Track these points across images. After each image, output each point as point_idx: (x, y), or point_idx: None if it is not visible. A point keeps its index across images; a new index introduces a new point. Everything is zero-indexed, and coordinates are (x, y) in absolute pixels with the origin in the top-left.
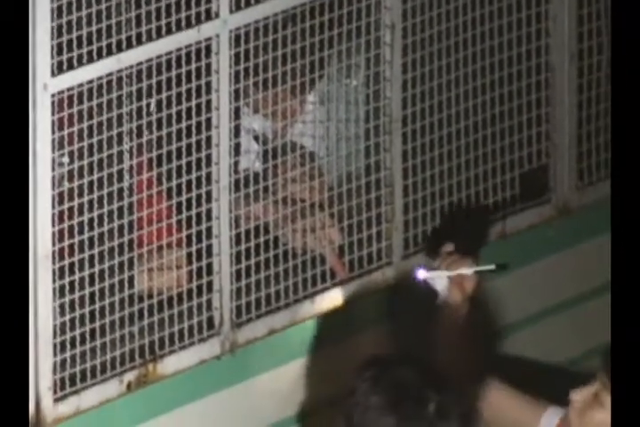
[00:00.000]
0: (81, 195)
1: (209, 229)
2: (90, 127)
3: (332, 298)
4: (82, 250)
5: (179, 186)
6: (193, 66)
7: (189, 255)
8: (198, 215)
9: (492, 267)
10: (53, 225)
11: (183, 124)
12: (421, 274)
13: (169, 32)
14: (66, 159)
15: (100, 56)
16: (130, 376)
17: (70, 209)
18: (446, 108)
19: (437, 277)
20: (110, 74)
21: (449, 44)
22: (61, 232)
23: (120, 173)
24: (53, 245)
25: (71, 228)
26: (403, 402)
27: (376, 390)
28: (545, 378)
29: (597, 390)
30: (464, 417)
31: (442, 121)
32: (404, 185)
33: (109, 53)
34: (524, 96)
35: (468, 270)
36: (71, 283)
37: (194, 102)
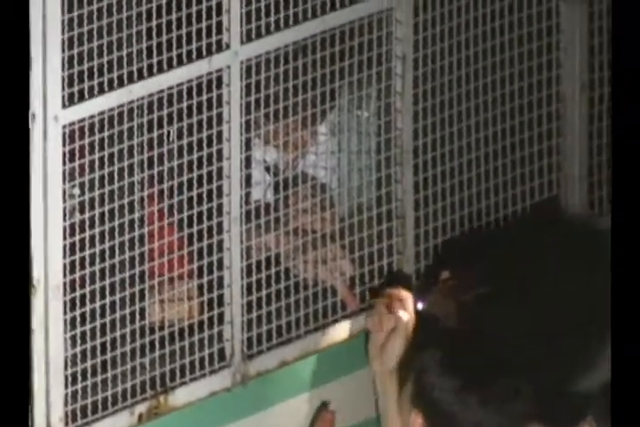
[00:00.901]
0: (92, 226)
1: (220, 261)
2: (101, 159)
3: (344, 330)
4: (93, 281)
5: (190, 217)
6: (204, 97)
7: (200, 287)
8: (209, 246)
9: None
10: (64, 256)
11: (194, 156)
12: (421, 304)
13: (180, 63)
14: (77, 191)
15: (111, 87)
16: (141, 408)
17: (82, 240)
18: (457, 139)
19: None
20: (121, 105)
21: (460, 74)
22: (72, 263)
23: (131, 204)
24: (64, 276)
25: (82, 259)
26: (477, 384)
27: (451, 372)
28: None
29: None
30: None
31: (453, 152)
32: (415, 216)
33: (120, 85)
34: (534, 127)
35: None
36: (82, 314)
37: (205, 134)
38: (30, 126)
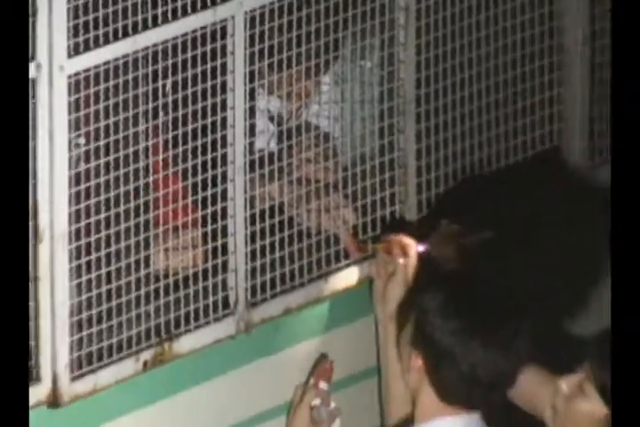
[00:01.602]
0: (97, 175)
1: (224, 210)
2: (106, 108)
3: (347, 277)
4: (98, 230)
5: (194, 167)
6: (208, 47)
7: (205, 235)
8: (214, 196)
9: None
10: (70, 205)
11: (199, 106)
12: (422, 247)
13: (184, 14)
14: (82, 140)
15: (116, 38)
16: (146, 355)
17: (87, 189)
18: (459, 89)
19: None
20: (126, 55)
21: (462, 25)
22: (78, 213)
23: (136, 153)
24: (70, 225)
25: (88, 208)
26: (478, 326)
27: (452, 314)
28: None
29: (582, 380)
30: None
31: (455, 102)
32: (417, 165)
33: (125, 35)
34: (536, 77)
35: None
36: (87, 263)
37: (209, 84)
38: (36, 76)
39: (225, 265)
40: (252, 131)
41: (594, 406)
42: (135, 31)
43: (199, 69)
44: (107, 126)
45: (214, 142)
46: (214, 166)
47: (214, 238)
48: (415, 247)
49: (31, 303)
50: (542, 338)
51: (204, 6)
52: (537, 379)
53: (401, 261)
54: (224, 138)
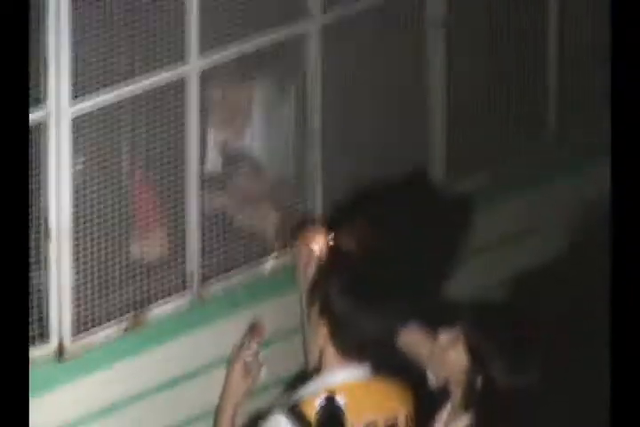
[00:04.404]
0: (92, 189)
1: (183, 215)
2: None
3: (273, 264)
4: (92, 230)
5: (162, 183)
6: (172, 97)
7: (169, 234)
8: (175, 204)
9: None
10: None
11: (165, 139)
12: (331, 240)
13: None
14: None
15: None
16: (126, 322)
17: (84, 201)
18: (351, 126)
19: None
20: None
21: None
22: (77, 216)
23: (119, 172)
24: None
25: (84, 213)
26: (369, 300)
27: (349, 291)
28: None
29: (455, 336)
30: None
31: (346, 137)
32: (323, 181)
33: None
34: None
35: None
36: (84, 253)
37: (171, 124)
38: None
39: (183, 256)
40: (203, 157)
41: (460, 357)
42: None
43: (165, 112)
44: (103, 153)
45: (176, 165)
46: (176, 183)
47: (176, 236)
48: (325, 240)
49: (42, 287)
50: (419, 306)
51: (168, 66)
52: (418, 333)
53: (315, 249)
54: (183, 162)
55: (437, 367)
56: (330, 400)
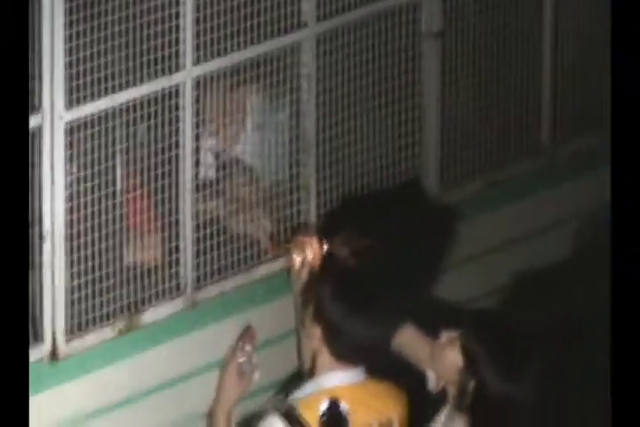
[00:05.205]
0: (86, 194)
1: (177, 220)
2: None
3: (266, 269)
4: (87, 234)
5: (156, 188)
6: (166, 103)
7: (163, 239)
8: (169, 209)
9: None
10: (66, 215)
11: (159, 146)
12: (325, 247)
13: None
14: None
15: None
16: (120, 325)
17: (78, 204)
18: (348, 136)
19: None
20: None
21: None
22: (71, 221)
23: (114, 179)
24: (66, 230)
25: (79, 218)
26: (360, 306)
27: (340, 297)
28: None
29: (455, 338)
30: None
31: (345, 144)
32: (317, 189)
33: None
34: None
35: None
36: (79, 257)
37: (167, 129)
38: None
39: (177, 260)
40: (197, 163)
41: (456, 358)
42: (114, 91)
43: (159, 119)
44: (97, 159)
45: (170, 171)
46: (170, 188)
47: (170, 241)
48: (319, 246)
49: (37, 289)
50: (411, 312)
51: (160, 74)
52: (415, 334)
53: (308, 255)
54: (177, 168)
55: (437, 367)
56: (333, 404)
